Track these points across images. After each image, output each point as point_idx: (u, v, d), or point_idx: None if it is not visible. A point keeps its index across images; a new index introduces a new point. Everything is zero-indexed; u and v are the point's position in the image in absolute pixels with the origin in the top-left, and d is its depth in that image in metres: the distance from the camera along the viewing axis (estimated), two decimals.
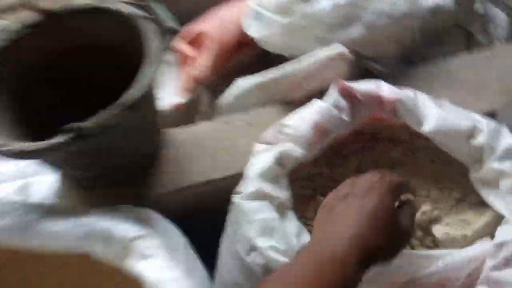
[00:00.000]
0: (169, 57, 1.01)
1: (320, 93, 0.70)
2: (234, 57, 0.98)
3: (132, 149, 0.71)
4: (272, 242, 0.55)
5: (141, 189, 0.76)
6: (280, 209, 0.60)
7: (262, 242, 0.55)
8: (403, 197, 0.51)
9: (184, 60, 0.97)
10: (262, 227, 0.56)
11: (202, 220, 0.83)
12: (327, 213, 0.46)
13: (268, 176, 0.60)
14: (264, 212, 0.57)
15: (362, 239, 0.41)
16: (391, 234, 0.43)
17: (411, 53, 1.02)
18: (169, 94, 0.98)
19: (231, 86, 0.91)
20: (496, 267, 0.52)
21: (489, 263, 0.53)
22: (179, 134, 0.82)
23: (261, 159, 0.61)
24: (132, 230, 0.62)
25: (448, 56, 0.86)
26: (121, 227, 0.62)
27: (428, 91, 0.77)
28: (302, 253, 0.44)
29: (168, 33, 0.68)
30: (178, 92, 0.96)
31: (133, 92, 0.62)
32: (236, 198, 0.60)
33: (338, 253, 0.40)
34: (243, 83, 0.87)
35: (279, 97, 0.85)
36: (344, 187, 0.48)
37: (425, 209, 0.63)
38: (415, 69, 0.85)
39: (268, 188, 0.59)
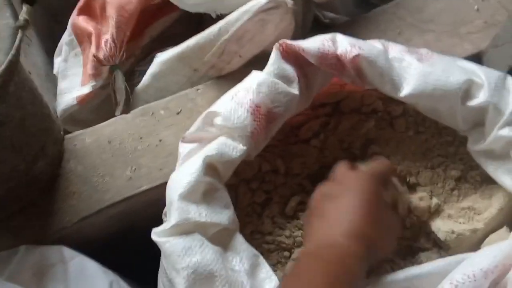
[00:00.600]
0: (72, 38, 0.79)
1: (262, 61, 0.51)
2: (149, 28, 0.78)
3: (18, 168, 0.51)
4: None
5: (42, 221, 0.57)
6: (220, 238, 0.42)
7: None
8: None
9: (84, 38, 0.75)
10: (195, 276, 0.38)
11: (134, 241, 0.65)
12: (318, 216, 0.42)
13: (196, 195, 0.42)
14: (194, 253, 0.39)
15: (361, 233, 0.39)
16: (385, 222, 0.41)
17: None
18: (75, 85, 0.77)
19: (150, 65, 0.71)
20: None
21: None
22: (85, 139, 0.62)
23: (186, 171, 0.43)
24: None
25: None
26: None
27: (396, 38, 0.61)
28: (302, 261, 0.40)
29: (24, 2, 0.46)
30: (85, 81, 0.75)
31: None
32: (155, 236, 0.41)
33: (340, 251, 0.38)
34: (162, 58, 0.67)
35: (211, 70, 0.65)
36: (327, 187, 0.44)
37: (418, 198, 0.47)
38: (376, 12, 0.66)
39: (197, 214, 0.40)
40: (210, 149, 0.44)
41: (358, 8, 0.85)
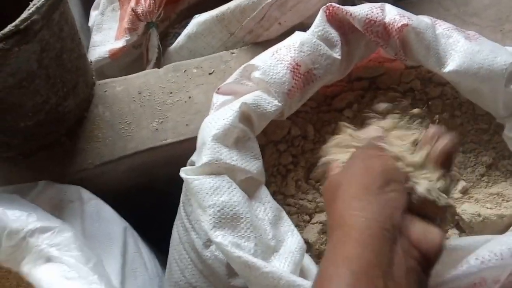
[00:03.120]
0: None
1: (302, 30, 0.50)
2: None
3: (49, 101, 0.51)
4: (235, 237, 0.37)
5: (65, 160, 0.57)
6: (247, 185, 0.41)
7: (221, 237, 0.37)
8: None
9: None
10: (220, 215, 0.37)
11: (150, 198, 0.65)
12: (334, 192, 0.36)
13: (229, 139, 0.41)
14: (222, 193, 0.38)
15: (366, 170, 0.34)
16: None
17: None
18: (109, 38, 0.77)
19: (187, 26, 0.71)
20: None
21: None
22: (115, 87, 0.62)
23: (220, 115, 0.42)
24: (32, 221, 0.42)
25: None
26: (16, 216, 0.43)
27: None
28: (335, 239, 0.34)
29: None
30: (119, 35, 0.75)
31: (25, 16, 0.41)
32: (183, 173, 0.41)
33: (367, 214, 0.33)
34: (199, 19, 0.67)
35: (248, 36, 0.65)
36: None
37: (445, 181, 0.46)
38: (418, 1, 0.66)
39: (228, 156, 0.40)
40: (247, 98, 0.44)
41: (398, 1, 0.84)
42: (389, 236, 0.32)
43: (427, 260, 0.33)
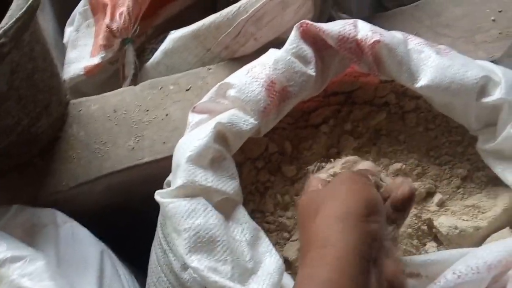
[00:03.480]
0: (87, 8, 0.78)
1: (279, 45, 0.51)
2: (164, 8, 0.77)
3: (21, 122, 0.50)
4: (212, 261, 0.36)
5: (38, 182, 0.55)
6: (224, 206, 0.41)
7: (196, 262, 0.36)
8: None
9: (99, 8, 0.74)
10: (196, 239, 0.37)
11: (128, 217, 0.64)
12: (315, 208, 0.35)
13: (204, 160, 0.41)
14: (198, 216, 0.38)
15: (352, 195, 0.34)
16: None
17: None
18: (84, 55, 0.76)
19: (163, 42, 0.70)
20: None
21: None
22: (90, 105, 0.61)
23: (195, 136, 0.42)
24: (1, 250, 0.41)
25: None
26: None
27: None
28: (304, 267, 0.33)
29: None
30: (94, 52, 0.74)
31: None
32: (158, 196, 0.40)
33: (338, 235, 0.33)
34: (175, 35, 0.67)
35: (224, 52, 0.65)
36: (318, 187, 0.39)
37: (422, 192, 0.47)
38: (395, 12, 0.67)
39: (203, 178, 0.39)
40: (222, 117, 0.43)
41: (374, 13, 0.86)
42: (366, 266, 0.31)
43: None
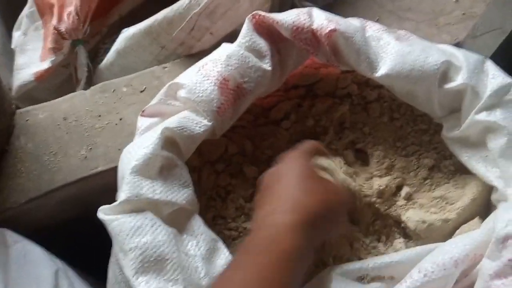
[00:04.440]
0: (33, 10, 0.74)
1: (234, 41, 0.48)
2: (118, 5, 0.73)
3: None
4: (161, 282, 0.34)
5: None
6: (176, 219, 0.38)
7: (144, 284, 0.33)
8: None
9: (46, 10, 0.70)
10: (143, 258, 0.34)
11: (91, 228, 0.60)
12: (264, 195, 0.39)
13: (152, 170, 0.38)
14: (144, 233, 0.35)
15: (297, 205, 0.36)
16: (324, 197, 0.38)
17: None
18: (34, 60, 0.71)
19: (115, 43, 0.66)
20: (498, 274, 0.35)
21: (488, 266, 0.36)
22: (38, 114, 0.57)
23: (140, 144, 0.39)
24: None
25: None
26: None
27: None
28: (245, 244, 0.36)
29: None
30: (44, 56, 0.70)
31: None
32: (101, 213, 0.37)
33: (281, 227, 0.35)
34: (127, 34, 0.63)
35: (180, 48, 0.61)
36: (272, 169, 0.41)
37: (388, 185, 0.45)
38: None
39: (150, 190, 0.36)
40: (171, 121, 0.40)
41: None
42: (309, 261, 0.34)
43: None
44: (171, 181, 0.38)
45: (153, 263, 0.33)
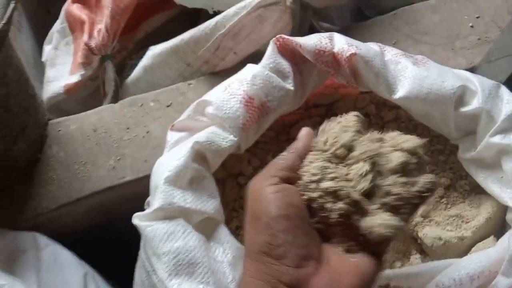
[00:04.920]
0: (64, 26, 0.77)
1: (256, 60, 0.50)
2: (145, 23, 0.77)
3: None
4: (193, 284, 0.36)
5: (18, 205, 0.54)
6: (205, 227, 0.40)
7: (177, 286, 0.36)
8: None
9: (77, 26, 0.73)
10: (176, 262, 0.36)
11: (113, 237, 0.63)
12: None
13: (183, 180, 0.40)
14: (177, 239, 0.37)
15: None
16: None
17: (365, 4, 0.85)
18: (63, 73, 0.75)
19: (143, 58, 0.69)
20: None
21: (503, 282, 0.37)
22: (69, 125, 0.60)
23: (172, 156, 0.41)
24: None
25: (410, 3, 0.69)
26: None
27: None
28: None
29: None
30: (72, 70, 0.73)
31: None
32: (137, 220, 0.39)
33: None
34: (154, 51, 0.66)
35: (205, 66, 0.64)
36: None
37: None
38: (373, 21, 0.67)
39: (182, 199, 0.39)
40: (200, 136, 0.43)
41: (355, 21, 0.86)
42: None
43: None
44: (200, 192, 0.40)
45: (185, 267, 0.36)
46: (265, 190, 0.33)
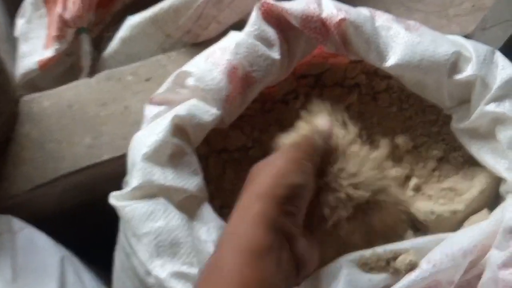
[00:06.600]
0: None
1: (240, 30, 0.47)
2: None
3: None
4: (176, 265, 0.34)
5: None
6: (187, 205, 0.38)
7: (159, 268, 0.33)
8: None
9: None
10: (157, 243, 0.34)
11: (98, 216, 0.60)
12: (251, 179, 0.35)
13: (162, 157, 0.38)
14: (158, 218, 0.35)
15: (277, 177, 0.33)
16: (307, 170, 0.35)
17: None
18: (37, 48, 0.70)
19: (120, 29, 0.66)
20: (506, 264, 0.35)
21: (496, 256, 0.36)
22: (43, 102, 0.57)
23: (151, 131, 0.38)
24: None
25: None
26: None
27: None
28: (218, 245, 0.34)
29: None
30: (48, 44, 0.69)
31: None
32: (114, 200, 0.37)
33: (248, 224, 0.32)
34: (132, 21, 0.63)
35: (186, 37, 0.61)
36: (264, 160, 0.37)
37: (397, 175, 0.45)
38: None
39: (162, 176, 0.36)
40: (181, 109, 0.40)
41: None
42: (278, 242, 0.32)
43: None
44: (181, 169, 0.38)
45: (167, 247, 0.34)
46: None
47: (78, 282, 0.48)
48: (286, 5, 0.44)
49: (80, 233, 0.56)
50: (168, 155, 0.38)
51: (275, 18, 0.45)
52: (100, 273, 0.56)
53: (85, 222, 0.58)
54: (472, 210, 0.43)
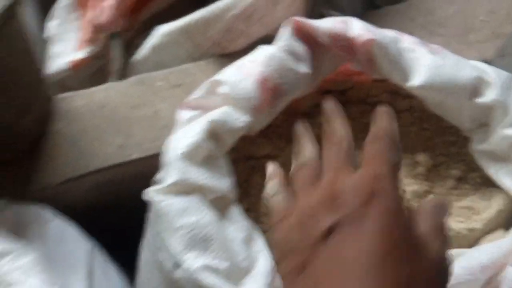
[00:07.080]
0: (71, 1, 0.76)
1: (268, 41, 0.50)
2: (153, 3, 0.76)
3: (2, 121, 0.48)
4: (207, 259, 0.36)
5: (24, 178, 0.54)
6: (218, 205, 0.40)
7: (191, 260, 0.35)
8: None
9: (84, 2, 0.72)
10: (190, 236, 0.36)
11: (120, 215, 0.62)
12: (296, 275, 0.25)
13: (198, 157, 0.40)
14: (192, 214, 0.37)
15: None
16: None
17: None
18: (69, 49, 0.73)
19: (150, 36, 0.68)
20: None
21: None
22: (76, 101, 0.59)
23: (187, 132, 0.41)
24: None
25: None
26: None
27: None
28: None
29: None
30: (78, 46, 0.72)
31: None
32: (150, 194, 0.39)
33: None
34: (163, 30, 0.65)
35: (214, 48, 0.64)
36: (317, 212, 0.27)
37: (416, 190, 0.46)
38: (387, 10, 0.66)
39: (198, 175, 0.38)
40: (214, 115, 0.42)
41: (365, 10, 0.85)
42: None
43: None
44: (214, 170, 0.40)
45: (199, 241, 0.36)
46: None
47: (105, 273, 0.50)
48: (315, 22, 0.47)
49: (101, 232, 0.58)
50: (203, 156, 0.40)
51: (304, 35, 0.48)
52: (120, 268, 0.58)
53: (110, 219, 0.60)
54: (489, 229, 0.44)
